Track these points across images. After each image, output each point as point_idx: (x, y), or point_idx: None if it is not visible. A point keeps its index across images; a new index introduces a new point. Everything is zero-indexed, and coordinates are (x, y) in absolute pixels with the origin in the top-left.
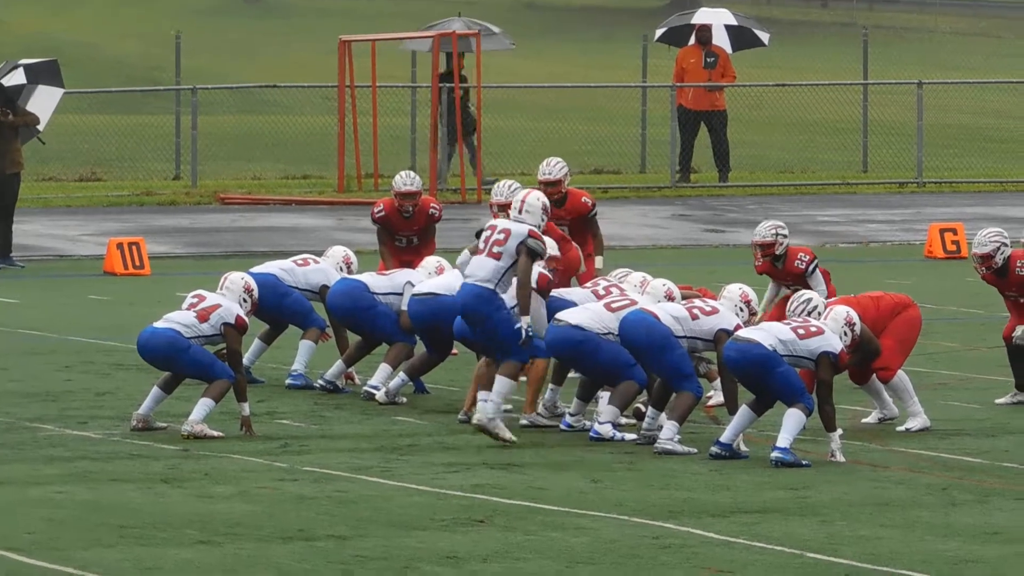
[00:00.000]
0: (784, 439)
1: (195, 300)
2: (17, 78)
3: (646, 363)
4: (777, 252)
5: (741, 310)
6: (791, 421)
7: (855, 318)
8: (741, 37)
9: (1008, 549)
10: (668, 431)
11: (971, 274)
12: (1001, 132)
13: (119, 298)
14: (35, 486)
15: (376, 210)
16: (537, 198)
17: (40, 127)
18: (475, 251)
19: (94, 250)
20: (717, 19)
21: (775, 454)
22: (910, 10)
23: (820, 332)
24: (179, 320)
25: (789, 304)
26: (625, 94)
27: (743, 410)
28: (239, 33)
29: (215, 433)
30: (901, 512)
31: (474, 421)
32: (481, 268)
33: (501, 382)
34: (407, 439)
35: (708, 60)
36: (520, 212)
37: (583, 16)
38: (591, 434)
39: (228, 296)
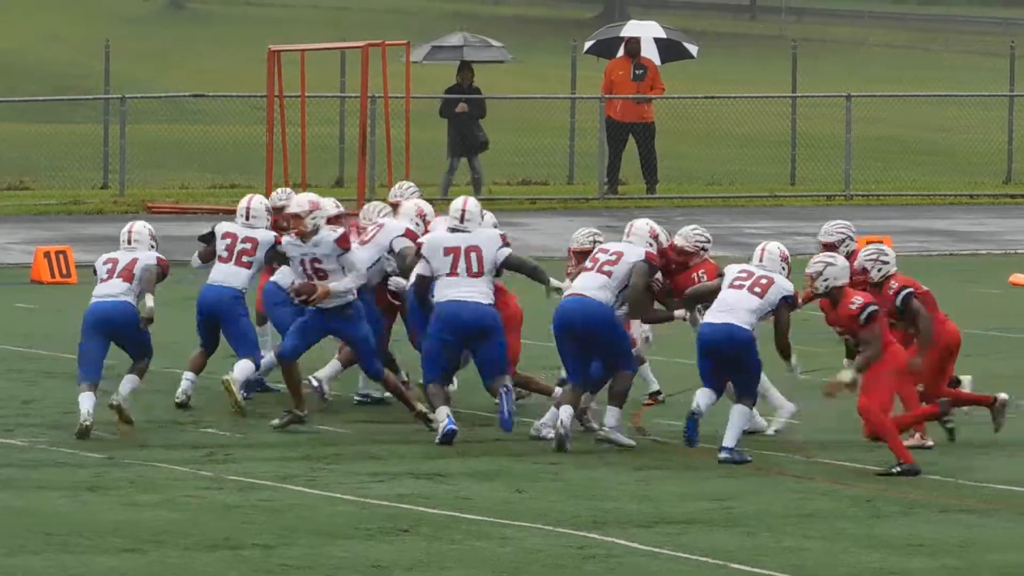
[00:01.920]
0: (732, 438)
1: (110, 266)
2: None
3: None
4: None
5: (651, 245)
6: (740, 419)
7: (786, 252)
8: (670, 49)
9: (933, 561)
10: (612, 418)
11: None
12: (929, 145)
13: (46, 306)
14: None
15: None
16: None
17: None
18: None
19: (21, 258)
20: (646, 32)
21: (723, 455)
22: (839, 23)
23: (771, 281)
24: (114, 291)
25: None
26: (554, 105)
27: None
28: (165, 41)
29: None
30: (826, 524)
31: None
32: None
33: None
34: (332, 448)
35: (637, 72)
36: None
37: (512, 26)
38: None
39: (139, 247)
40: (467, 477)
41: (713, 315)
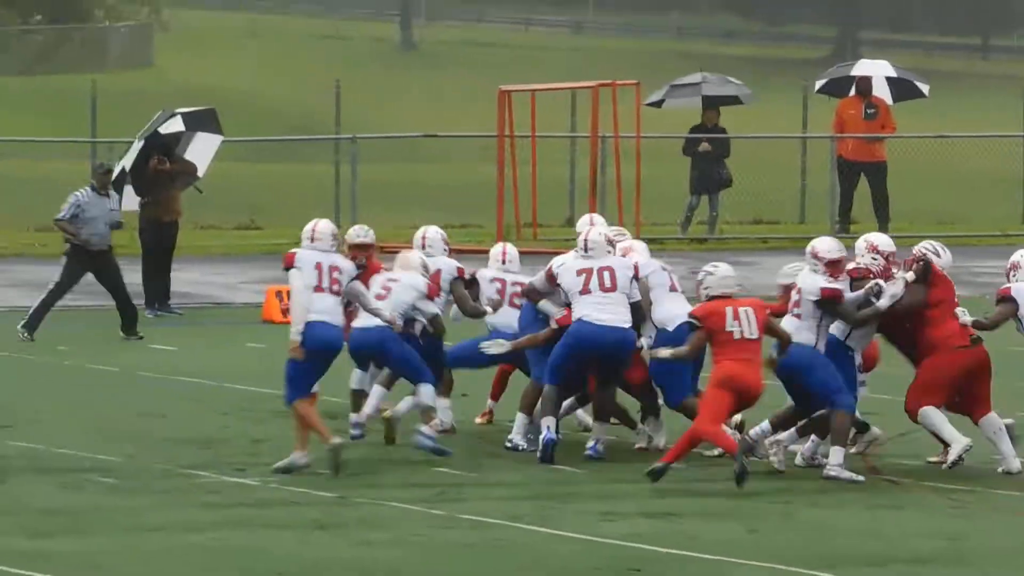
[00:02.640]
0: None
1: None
2: (175, 126)
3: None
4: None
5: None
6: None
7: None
8: (901, 88)
9: None
10: (836, 457)
11: None
12: None
13: (277, 346)
14: (192, 532)
15: None
16: None
17: (200, 174)
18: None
19: (252, 298)
20: (877, 71)
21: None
22: None
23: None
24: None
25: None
26: (785, 145)
27: None
28: (396, 81)
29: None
30: None
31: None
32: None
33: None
34: (563, 487)
35: (868, 111)
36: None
37: (743, 66)
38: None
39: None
40: (698, 516)
41: None
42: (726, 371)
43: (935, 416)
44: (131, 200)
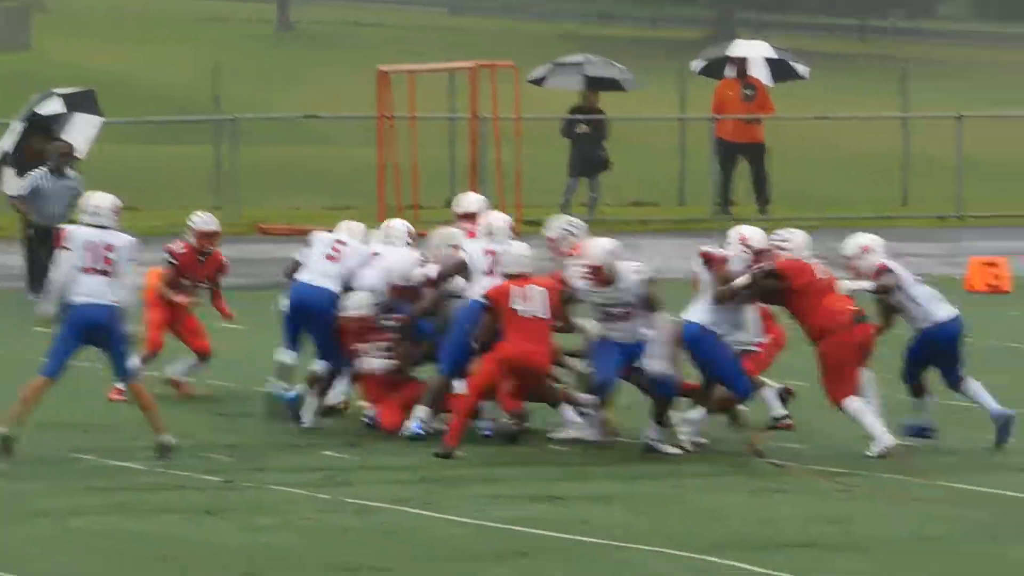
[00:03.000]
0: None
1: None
2: (54, 107)
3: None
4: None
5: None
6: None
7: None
8: (780, 69)
9: None
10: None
11: (1013, 308)
12: None
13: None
14: (78, 516)
15: (178, 249)
16: None
17: (81, 155)
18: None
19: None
20: (755, 52)
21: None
22: (949, 43)
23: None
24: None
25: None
26: (663, 126)
27: None
28: (277, 63)
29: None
30: (945, 547)
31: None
32: None
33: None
34: (449, 470)
35: (746, 93)
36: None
37: (621, 47)
38: None
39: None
40: (586, 500)
41: None
42: (506, 349)
43: (858, 407)
44: (11, 183)
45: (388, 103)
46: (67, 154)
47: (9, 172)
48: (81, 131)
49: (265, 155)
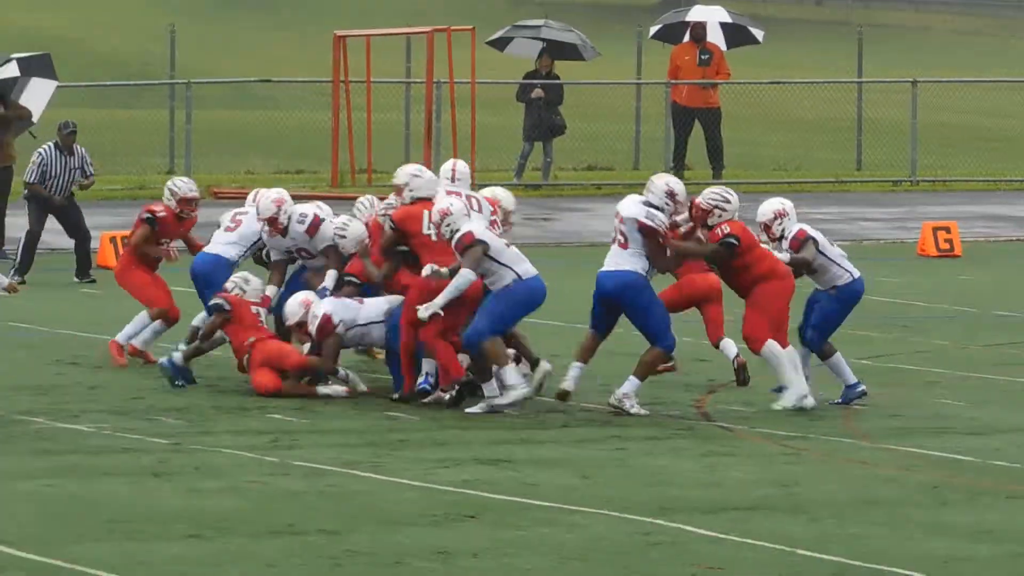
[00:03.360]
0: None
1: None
2: (10, 71)
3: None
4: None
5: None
6: None
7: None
8: (736, 34)
9: (999, 548)
10: (629, 386)
11: (964, 272)
12: (996, 131)
13: (111, 292)
14: (25, 479)
15: (158, 210)
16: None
17: (34, 120)
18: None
19: None
20: (712, 16)
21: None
22: (905, 8)
23: None
24: None
25: None
26: (619, 91)
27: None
28: (231, 27)
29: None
30: (891, 510)
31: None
32: None
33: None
34: (398, 434)
35: (702, 57)
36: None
37: (576, 12)
38: None
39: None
40: (532, 464)
41: None
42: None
43: (778, 352)
44: None
45: (344, 67)
46: (25, 118)
47: None
48: (37, 95)
49: (219, 119)
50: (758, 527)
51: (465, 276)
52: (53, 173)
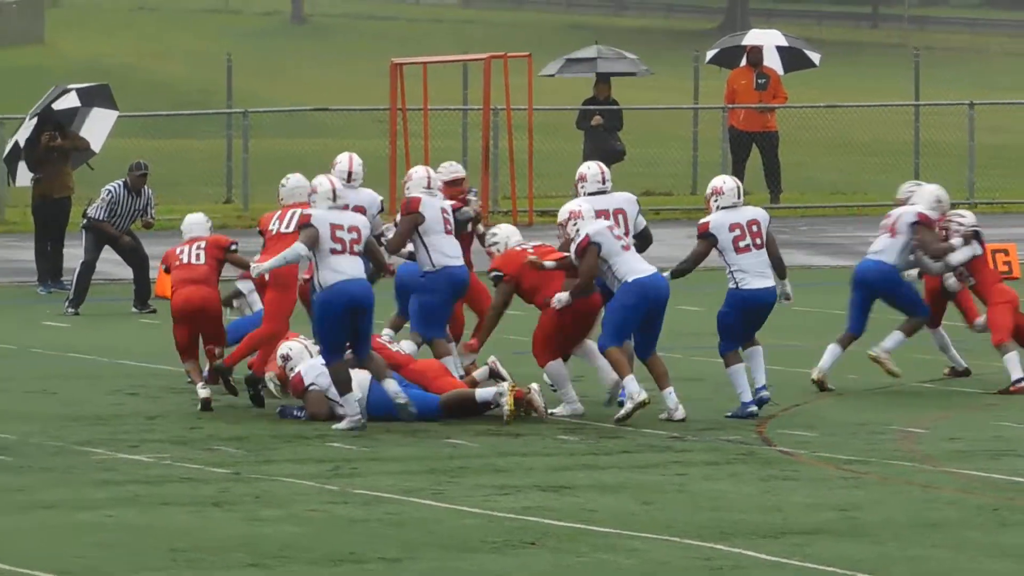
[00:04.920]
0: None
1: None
2: (70, 101)
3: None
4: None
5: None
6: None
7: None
8: (792, 58)
9: None
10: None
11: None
12: None
13: (169, 322)
14: (86, 510)
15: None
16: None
17: (96, 150)
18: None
19: None
20: (768, 40)
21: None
22: (961, 31)
23: None
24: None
25: None
26: (676, 116)
27: None
28: (288, 56)
29: None
30: (952, 533)
31: None
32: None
33: None
34: (457, 461)
35: (759, 81)
36: None
37: (633, 38)
38: None
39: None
40: (593, 489)
41: None
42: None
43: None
44: (23, 176)
45: (401, 95)
46: (83, 148)
47: (21, 166)
48: (97, 126)
49: (275, 148)
50: (819, 551)
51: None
52: (119, 212)
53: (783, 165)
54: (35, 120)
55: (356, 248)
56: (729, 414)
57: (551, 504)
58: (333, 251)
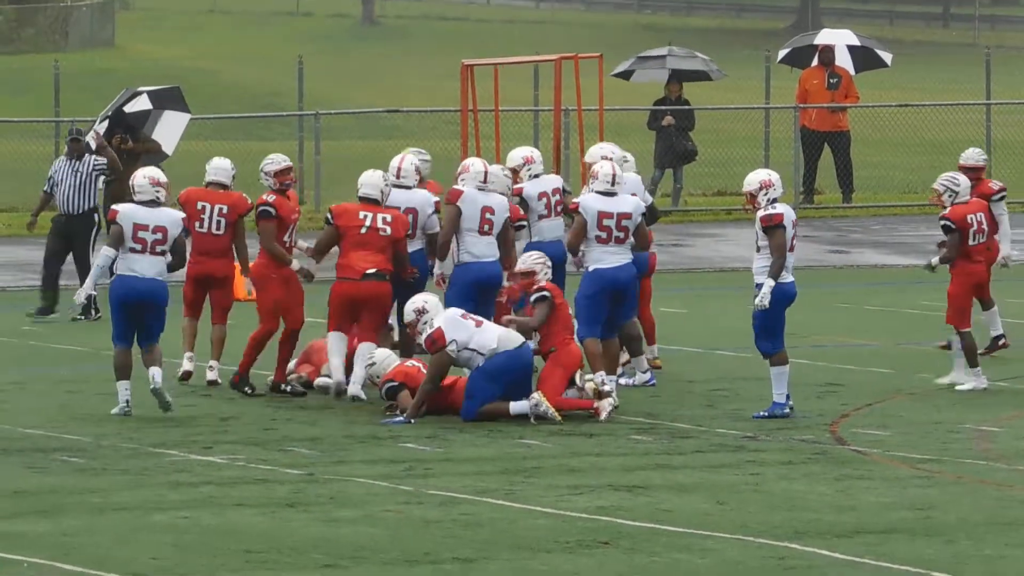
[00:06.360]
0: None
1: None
2: (142, 104)
3: None
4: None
5: None
6: None
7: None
8: (864, 58)
9: None
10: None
11: None
12: None
13: (240, 322)
14: (160, 511)
15: (269, 199)
16: None
17: (169, 152)
18: None
19: None
20: (840, 40)
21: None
22: None
23: None
24: None
25: None
26: (748, 116)
27: None
28: (359, 57)
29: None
30: None
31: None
32: None
33: None
34: (531, 461)
35: (831, 81)
36: None
37: (705, 37)
38: None
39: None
40: (667, 489)
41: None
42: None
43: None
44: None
45: (472, 96)
46: (153, 151)
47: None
48: (170, 129)
49: (347, 149)
50: (894, 550)
51: None
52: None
53: (855, 164)
54: (106, 122)
55: (159, 248)
56: (764, 414)
57: (625, 504)
58: (132, 250)
